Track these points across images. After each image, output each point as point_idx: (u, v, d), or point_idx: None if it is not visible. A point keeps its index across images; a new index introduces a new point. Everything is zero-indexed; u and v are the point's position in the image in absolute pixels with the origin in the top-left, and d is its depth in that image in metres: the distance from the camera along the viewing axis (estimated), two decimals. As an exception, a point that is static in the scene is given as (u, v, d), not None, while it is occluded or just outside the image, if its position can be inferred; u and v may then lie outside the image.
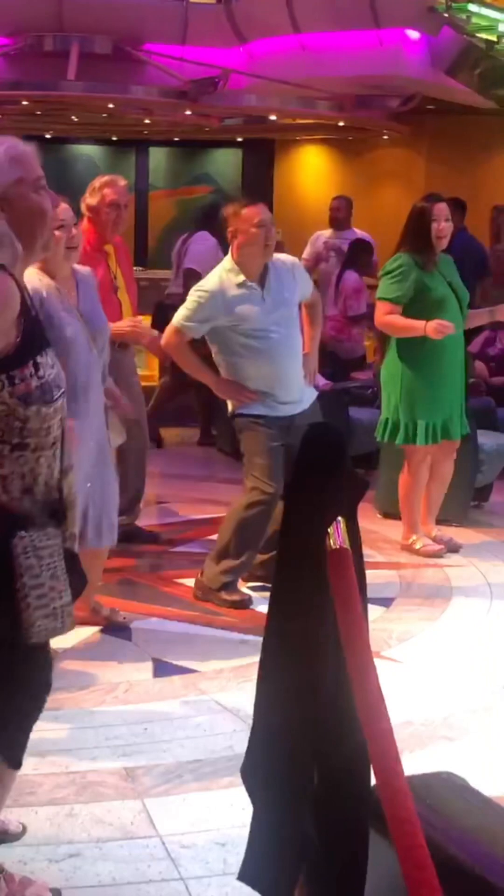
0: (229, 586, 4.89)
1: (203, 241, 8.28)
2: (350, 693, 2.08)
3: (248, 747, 2.28)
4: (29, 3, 9.68)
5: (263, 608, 4.76)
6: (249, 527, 4.84)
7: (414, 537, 5.76)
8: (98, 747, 3.58)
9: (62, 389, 2.54)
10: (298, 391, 4.98)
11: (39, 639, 2.47)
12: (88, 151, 12.70)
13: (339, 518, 2.14)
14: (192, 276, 6.93)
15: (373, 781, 2.22)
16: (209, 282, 4.93)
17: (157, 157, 12.74)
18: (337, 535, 2.13)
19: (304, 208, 11.25)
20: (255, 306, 4.83)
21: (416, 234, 5.59)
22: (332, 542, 2.11)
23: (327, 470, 2.19)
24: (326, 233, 9.20)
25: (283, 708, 2.24)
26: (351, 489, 2.22)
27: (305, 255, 8.82)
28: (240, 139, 12.21)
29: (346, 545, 2.12)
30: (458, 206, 8.23)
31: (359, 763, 2.18)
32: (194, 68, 9.50)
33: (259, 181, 12.03)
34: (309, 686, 2.20)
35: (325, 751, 2.21)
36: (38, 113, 10.27)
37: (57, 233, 3.73)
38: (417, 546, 5.72)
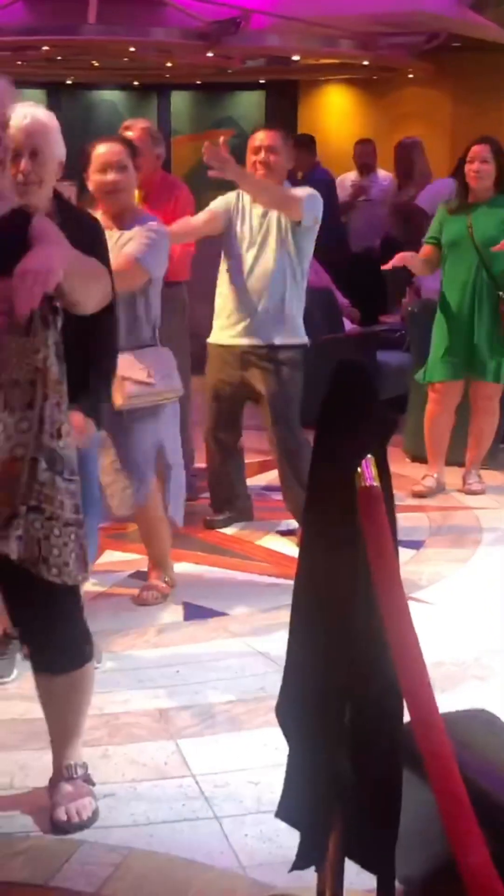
0: None
1: None
2: (382, 631, 2.08)
3: (282, 687, 2.28)
4: None
5: (292, 552, 4.82)
6: None
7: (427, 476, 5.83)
8: (130, 689, 3.61)
9: None
10: None
11: None
12: (110, 97, 12.57)
13: (369, 456, 2.12)
14: None
15: (405, 719, 2.24)
16: None
17: (180, 102, 12.60)
18: (367, 473, 2.11)
19: (328, 149, 11.10)
20: None
21: (455, 175, 5.68)
22: (361, 480, 2.10)
23: (356, 408, 2.17)
24: (352, 175, 9.11)
25: (314, 646, 2.24)
26: (380, 427, 2.21)
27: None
28: (262, 81, 12.04)
29: (377, 483, 2.11)
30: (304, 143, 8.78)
31: (391, 701, 2.18)
32: (215, 9, 9.35)
33: (283, 123, 11.81)
34: (340, 624, 2.20)
35: (357, 689, 2.21)
36: (59, 58, 10.15)
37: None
38: (422, 484, 5.77)
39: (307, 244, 4.95)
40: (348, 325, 7.45)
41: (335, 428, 2.19)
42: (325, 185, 7.95)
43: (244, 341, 4.95)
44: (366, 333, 7.38)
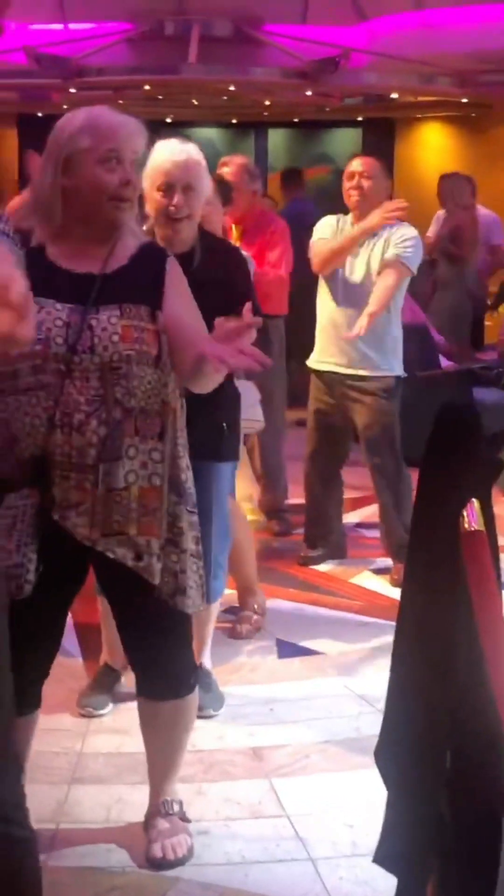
0: None
1: None
2: (485, 677, 2.06)
3: (382, 730, 2.26)
4: (150, -13, 9.76)
5: (386, 591, 4.79)
6: None
7: None
8: (225, 726, 3.61)
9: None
10: None
11: None
12: (208, 135, 12.73)
13: (473, 500, 2.11)
14: None
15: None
16: None
17: (277, 139, 12.71)
18: (471, 516, 2.09)
19: (425, 186, 11.09)
20: None
21: None
22: (465, 523, 2.08)
23: (461, 450, 2.16)
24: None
25: (416, 691, 2.22)
26: (486, 469, 2.19)
27: (430, 233, 8.73)
28: (359, 118, 12.10)
29: (481, 527, 2.09)
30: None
31: (493, 748, 2.15)
32: (315, 48, 9.44)
33: (380, 160, 11.90)
34: (442, 669, 2.17)
35: (459, 735, 2.19)
36: (160, 97, 10.33)
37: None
38: None
39: (406, 282, 4.95)
40: (444, 363, 7.41)
41: (440, 470, 2.18)
42: (303, 215, 7.95)
43: (339, 369, 4.95)
44: (462, 370, 7.33)
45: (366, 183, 4.86)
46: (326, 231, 4.97)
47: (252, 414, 4.22)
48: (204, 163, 3.40)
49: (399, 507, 4.90)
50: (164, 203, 3.30)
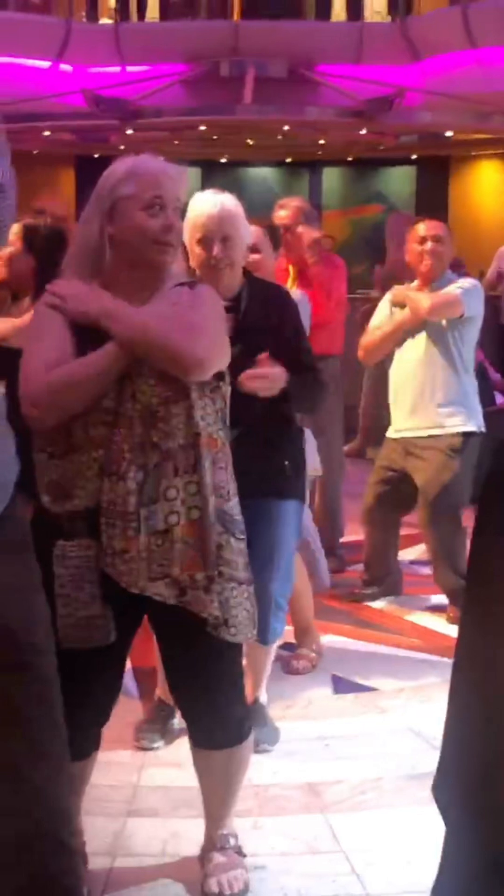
0: None
1: None
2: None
3: (439, 764, 2.26)
4: (205, 29, 9.92)
5: (442, 628, 4.78)
6: None
7: None
8: (280, 761, 3.60)
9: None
10: None
11: (70, 645, 2.46)
12: (263, 174, 12.86)
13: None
14: None
15: None
16: None
17: (331, 177, 12.81)
18: (529, 552, 2.09)
19: (480, 224, 11.13)
20: None
21: None
22: (524, 559, 2.08)
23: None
24: None
25: (473, 726, 2.21)
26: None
27: (490, 271, 8.75)
28: (414, 156, 12.16)
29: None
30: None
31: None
32: (369, 87, 9.54)
33: (434, 198, 11.96)
34: (498, 705, 2.17)
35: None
36: (215, 137, 10.46)
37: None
38: None
39: (470, 333, 4.94)
40: (500, 399, 7.40)
41: (496, 506, 2.18)
42: None
43: (407, 433, 4.97)
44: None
45: (439, 248, 4.89)
46: (376, 320, 5.04)
47: (310, 462, 4.23)
48: (240, 211, 3.44)
49: (451, 553, 4.88)
50: (204, 255, 3.37)
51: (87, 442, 2.53)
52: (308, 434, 4.30)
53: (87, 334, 2.56)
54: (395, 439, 5.05)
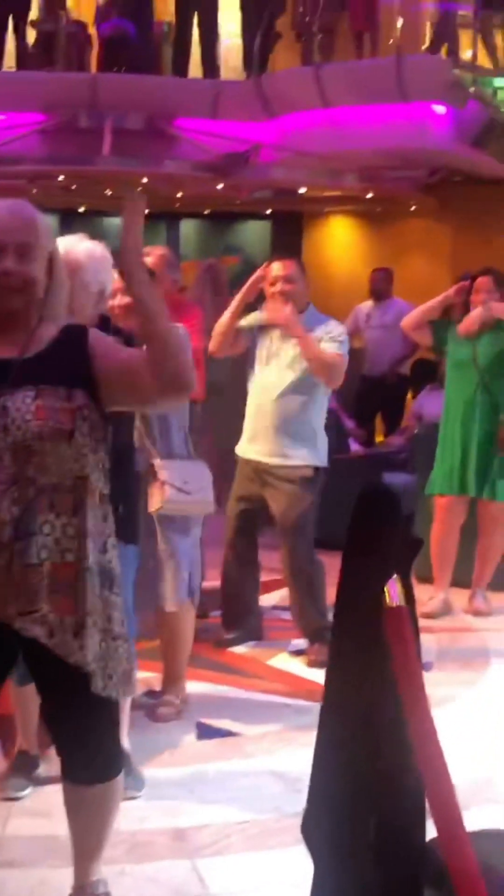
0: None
1: None
2: (406, 747, 2.14)
3: (308, 803, 2.32)
4: (64, 81, 9.97)
5: (303, 672, 4.86)
6: None
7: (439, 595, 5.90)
8: (146, 807, 3.62)
9: None
10: None
11: None
12: (120, 224, 12.92)
13: (395, 575, 2.20)
14: None
15: (427, 836, 2.28)
16: None
17: (188, 229, 12.96)
18: (393, 593, 2.19)
19: (332, 279, 11.39)
20: None
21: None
22: (388, 599, 2.17)
23: (382, 529, 2.26)
24: (367, 305, 9.39)
25: (341, 762, 2.28)
26: (405, 547, 2.29)
27: (347, 325, 8.99)
28: (268, 211, 12.41)
29: (403, 603, 2.19)
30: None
31: (415, 817, 2.23)
32: (225, 143, 9.72)
33: (288, 252, 12.15)
34: (367, 741, 2.25)
35: (383, 805, 2.25)
36: (74, 187, 10.49)
37: None
38: (429, 605, 5.82)
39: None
40: (353, 447, 7.59)
41: (363, 548, 2.27)
42: None
43: (262, 458, 5.07)
44: (372, 454, 7.51)
45: (289, 287, 5.05)
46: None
47: (204, 496, 4.28)
48: (87, 259, 3.53)
49: (311, 591, 5.01)
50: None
51: None
52: (204, 467, 4.34)
53: None
54: (249, 463, 5.14)
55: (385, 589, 2.18)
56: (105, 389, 2.65)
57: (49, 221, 2.72)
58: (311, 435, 5.08)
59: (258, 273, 5.19)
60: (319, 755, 2.34)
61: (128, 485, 3.60)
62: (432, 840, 2.16)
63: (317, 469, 5.09)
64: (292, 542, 5.05)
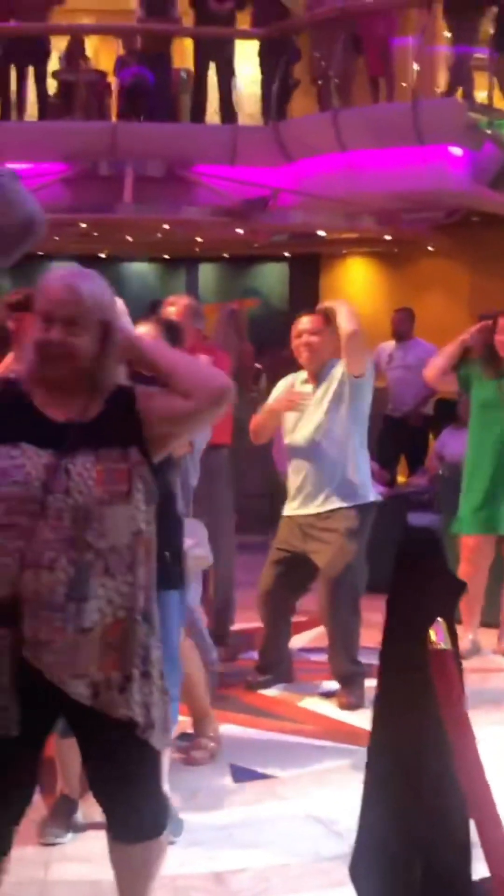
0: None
1: None
2: (453, 787, 2.17)
3: (356, 844, 2.34)
4: (85, 130, 10.12)
5: (335, 714, 4.87)
6: None
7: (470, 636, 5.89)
8: (185, 851, 3.62)
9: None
10: None
11: None
12: (141, 269, 13.05)
13: (439, 619, 2.24)
14: None
15: (474, 876, 2.30)
16: None
17: (207, 273, 13.08)
18: (438, 635, 2.22)
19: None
20: None
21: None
22: (433, 642, 2.21)
23: (427, 572, 2.30)
24: (389, 345, 9.45)
25: (389, 803, 2.31)
26: (449, 590, 2.33)
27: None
28: (286, 254, 12.52)
29: (448, 646, 2.22)
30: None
31: (460, 857, 2.26)
32: (244, 188, 9.84)
33: (306, 294, 12.31)
34: (415, 785, 2.27)
35: (429, 846, 2.28)
36: (95, 234, 10.62)
37: None
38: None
39: (363, 402, 5.15)
40: (378, 488, 7.60)
41: (408, 591, 2.30)
42: None
43: (302, 510, 5.11)
44: (396, 495, 7.53)
45: (314, 339, 5.10)
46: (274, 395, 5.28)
47: (201, 552, 4.33)
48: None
49: (346, 640, 5.02)
50: None
51: (11, 527, 2.55)
52: (199, 524, 4.40)
53: None
54: (290, 518, 5.17)
55: (430, 632, 2.22)
56: (157, 440, 2.70)
57: (109, 293, 2.73)
58: (352, 477, 5.09)
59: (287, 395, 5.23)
60: (367, 796, 2.37)
61: (171, 529, 3.63)
62: (482, 880, 2.19)
63: (361, 511, 5.10)
64: (336, 593, 5.03)
